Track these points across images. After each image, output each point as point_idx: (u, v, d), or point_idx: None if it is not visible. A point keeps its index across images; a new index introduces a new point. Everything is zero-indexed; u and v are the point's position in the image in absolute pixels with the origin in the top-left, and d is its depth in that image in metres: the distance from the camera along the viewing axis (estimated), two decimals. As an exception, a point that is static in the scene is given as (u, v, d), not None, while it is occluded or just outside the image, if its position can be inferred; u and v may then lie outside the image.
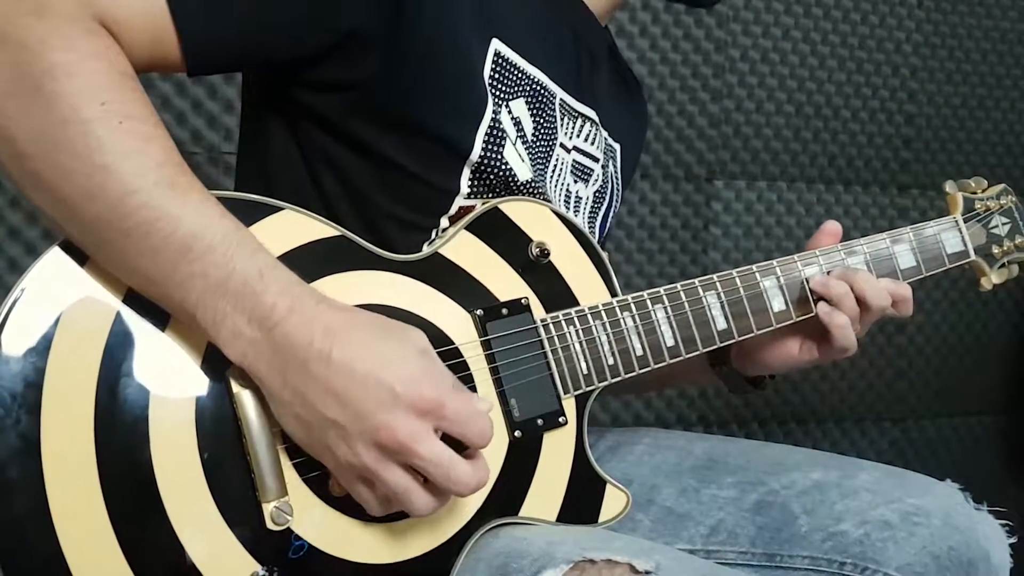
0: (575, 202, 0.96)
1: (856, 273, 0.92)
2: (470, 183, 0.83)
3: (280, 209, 0.73)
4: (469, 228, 0.82)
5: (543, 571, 0.71)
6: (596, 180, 0.98)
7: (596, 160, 0.98)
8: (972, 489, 0.93)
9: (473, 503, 0.77)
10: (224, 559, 0.67)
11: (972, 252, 1.05)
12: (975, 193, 1.07)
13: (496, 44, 0.83)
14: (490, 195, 0.84)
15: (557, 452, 0.83)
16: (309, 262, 0.72)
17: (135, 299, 0.66)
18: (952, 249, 1.04)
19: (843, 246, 0.96)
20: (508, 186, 0.84)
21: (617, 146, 1.04)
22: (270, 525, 0.67)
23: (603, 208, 1.02)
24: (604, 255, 0.88)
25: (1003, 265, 1.08)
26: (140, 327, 0.67)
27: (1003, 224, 1.08)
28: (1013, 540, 0.90)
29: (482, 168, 0.82)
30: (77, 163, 0.61)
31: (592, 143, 0.97)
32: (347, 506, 0.71)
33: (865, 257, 0.96)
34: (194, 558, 0.66)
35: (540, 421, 0.82)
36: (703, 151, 1.73)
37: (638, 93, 1.13)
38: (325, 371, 0.64)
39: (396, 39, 0.76)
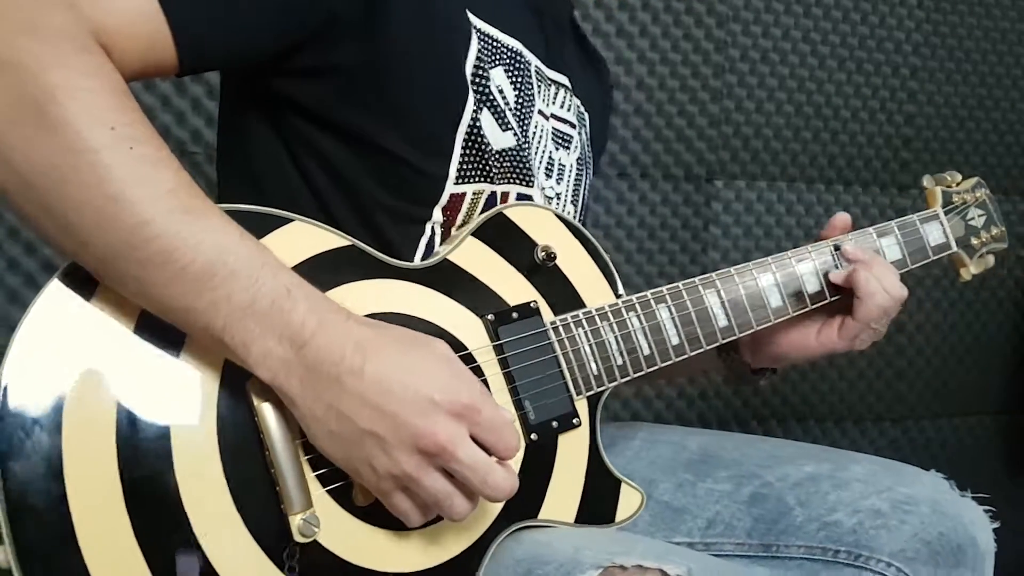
0: (559, 170, 0.97)
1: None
2: (459, 165, 0.83)
3: (289, 221, 0.73)
4: (475, 234, 0.82)
5: None
6: (576, 147, 0.99)
7: (573, 127, 0.98)
8: (973, 489, 0.94)
9: (495, 507, 0.77)
10: (252, 574, 0.67)
11: (954, 244, 1.08)
12: (951, 187, 1.11)
13: (470, 18, 0.83)
14: (478, 179, 0.85)
15: (572, 453, 0.84)
16: (322, 273, 0.72)
17: (149, 322, 0.65)
18: (935, 241, 1.06)
19: (832, 241, 0.98)
20: (489, 159, 0.84)
21: (587, 114, 1.05)
22: (297, 537, 0.67)
23: (584, 177, 1.02)
24: (606, 256, 0.89)
25: (981, 256, 1.11)
26: (156, 349, 0.66)
27: (979, 216, 1.12)
28: (996, 525, 0.93)
29: (468, 144, 0.82)
30: (88, 194, 0.59)
31: (568, 110, 0.98)
32: (371, 515, 0.71)
33: None
34: (222, 574, 0.65)
35: (555, 423, 0.82)
36: (703, 151, 1.73)
37: (602, 65, 1.13)
38: (359, 384, 0.64)
39: (374, 21, 0.76)
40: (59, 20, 0.61)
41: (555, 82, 0.96)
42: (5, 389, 0.61)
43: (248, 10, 0.72)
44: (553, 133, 0.96)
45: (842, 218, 1.00)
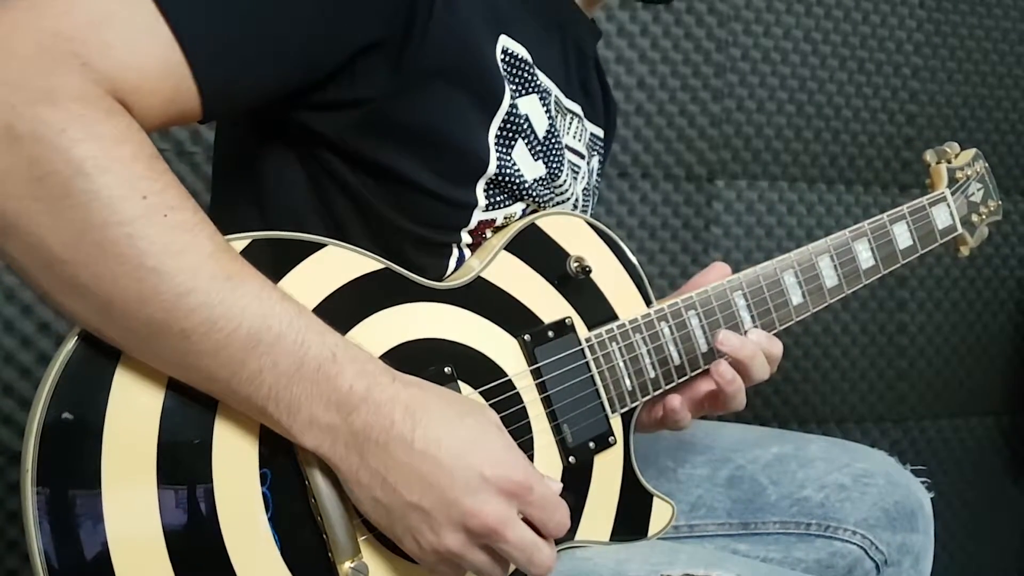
0: (573, 201, 0.95)
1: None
2: (486, 193, 0.80)
3: (322, 246, 0.70)
4: (508, 248, 0.80)
5: None
6: (583, 177, 0.98)
7: (583, 157, 0.97)
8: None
9: None
10: None
11: (959, 225, 1.07)
12: (951, 161, 1.08)
13: (504, 40, 0.80)
14: (506, 202, 0.82)
15: (607, 472, 0.83)
16: (357, 299, 0.70)
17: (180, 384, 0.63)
18: (943, 224, 1.05)
19: (851, 230, 0.98)
20: (519, 189, 0.82)
21: (601, 131, 1.03)
22: None
23: (590, 206, 1.01)
24: (638, 264, 0.88)
25: (978, 230, 1.10)
26: (191, 408, 0.63)
27: (978, 190, 1.09)
28: (932, 495, 1.06)
29: (498, 176, 0.79)
30: (124, 267, 0.56)
31: (579, 140, 0.97)
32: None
33: (868, 239, 0.98)
34: None
35: (592, 444, 0.81)
36: (704, 151, 1.72)
37: (612, 106, 1.12)
38: (407, 454, 0.62)
39: (408, 48, 0.71)
40: (75, 83, 0.56)
41: (570, 111, 0.94)
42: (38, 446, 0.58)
43: (276, 51, 0.67)
44: (569, 164, 0.93)
45: (721, 268, 0.94)
